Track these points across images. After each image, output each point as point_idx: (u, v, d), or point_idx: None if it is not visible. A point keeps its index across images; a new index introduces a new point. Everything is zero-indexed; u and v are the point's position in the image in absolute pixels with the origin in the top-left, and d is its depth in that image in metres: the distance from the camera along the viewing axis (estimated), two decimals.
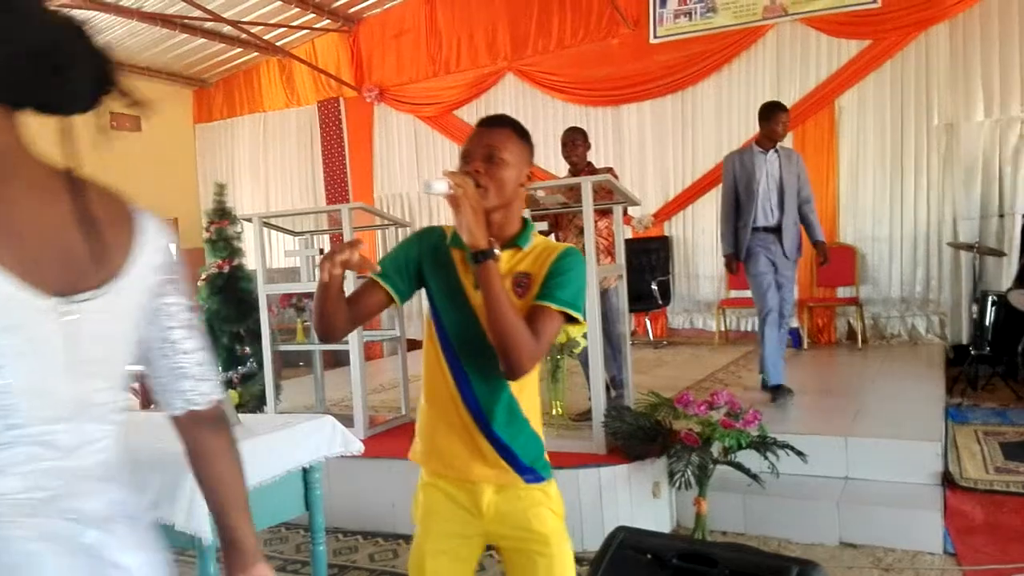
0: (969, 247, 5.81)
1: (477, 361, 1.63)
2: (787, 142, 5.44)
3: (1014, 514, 3.42)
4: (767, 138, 4.80)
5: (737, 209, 4.83)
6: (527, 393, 1.70)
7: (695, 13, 7.60)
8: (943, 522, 3.38)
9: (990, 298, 5.64)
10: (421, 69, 9.08)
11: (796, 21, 7.23)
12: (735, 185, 4.84)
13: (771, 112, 4.79)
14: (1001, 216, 6.59)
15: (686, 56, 7.63)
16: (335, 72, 9.49)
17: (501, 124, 1.68)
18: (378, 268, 1.61)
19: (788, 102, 7.14)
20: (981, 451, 4.09)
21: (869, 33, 6.91)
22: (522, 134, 1.69)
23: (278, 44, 9.39)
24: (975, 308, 5.80)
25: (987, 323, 5.59)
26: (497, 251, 1.55)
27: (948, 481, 3.62)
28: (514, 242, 1.67)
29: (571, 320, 1.62)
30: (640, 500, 3.63)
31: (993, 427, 4.54)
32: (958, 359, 6.14)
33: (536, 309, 1.59)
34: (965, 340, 6.42)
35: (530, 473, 1.68)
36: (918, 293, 6.93)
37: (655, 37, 7.79)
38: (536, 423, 1.73)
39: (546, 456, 1.75)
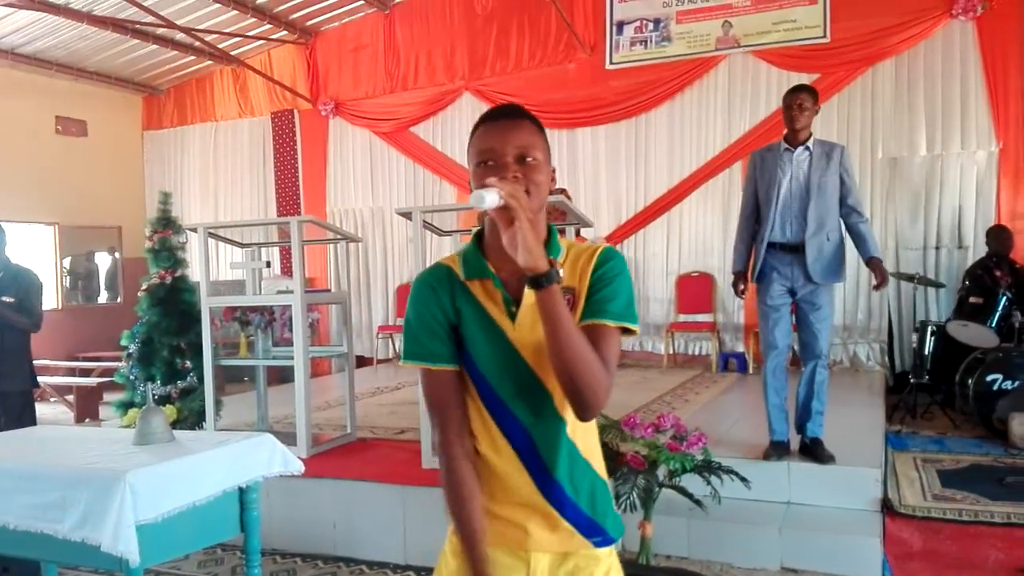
0: (910, 278, 5.97)
1: (526, 402, 1.38)
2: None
3: (951, 541, 3.49)
4: (789, 129, 3.93)
5: (757, 219, 4.04)
6: (583, 428, 1.42)
7: (650, 41, 7.73)
8: (882, 548, 3.43)
9: (929, 328, 5.80)
10: (378, 84, 9.05)
11: (748, 53, 7.40)
12: (755, 190, 4.05)
13: (785, 97, 3.97)
14: (938, 248, 6.81)
15: (640, 83, 7.75)
16: (290, 84, 9.39)
17: (522, 116, 1.39)
18: None
19: (738, 132, 7.36)
20: (919, 478, 4.17)
21: (818, 67, 7.11)
22: (540, 127, 1.42)
23: (232, 53, 9.27)
24: (915, 337, 5.95)
25: (926, 352, 5.74)
26: (561, 271, 1.27)
27: (887, 508, 3.67)
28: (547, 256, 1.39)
29: (627, 331, 1.37)
30: None
31: (931, 455, 4.64)
32: (898, 387, 6.29)
33: (593, 330, 1.32)
34: (905, 368, 6.59)
35: (599, 535, 1.42)
36: (860, 321, 7.10)
37: (611, 63, 7.90)
38: (599, 464, 1.46)
39: (615, 506, 1.52)
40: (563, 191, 4.73)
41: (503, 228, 1.23)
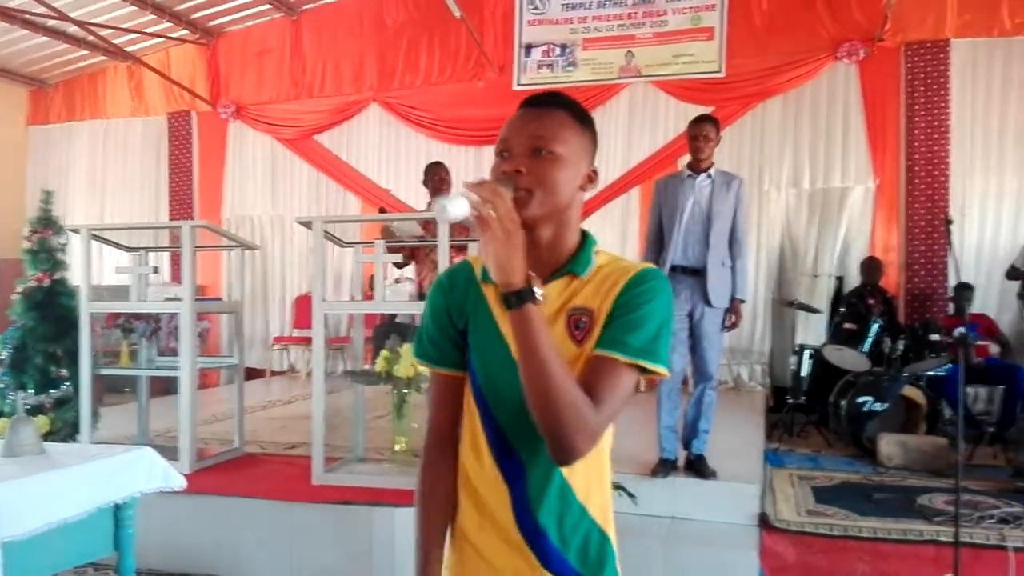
0: (789, 303, 6.28)
1: (523, 429, 1.19)
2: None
3: (822, 554, 3.67)
4: (693, 158, 4.09)
5: (662, 245, 4.12)
6: (585, 469, 1.22)
7: (557, 65, 7.91)
8: (759, 562, 3.58)
9: (806, 351, 6.11)
10: (283, 90, 8.88)
11: (648, 83, 7.67)
12: (659, 216, 4.16)
13: (691, 127, 4.10)
14: (815, 276, 7.21)
15: None
16: (189, 84, 9.08)
17: (553, 105, 1.24)
18: None
19: (637, 158, 7.59)
20: (795, 494, 4.37)
21: (713, 100, 7.42)
22: (581, 118, 1.26)
23: (128, 50, 8.88)
24: (793, 359, 6.27)
25: (803, 374, 6.04)
26: (539, 291, 1.10)
27: (764, 522, 3.84)
28: (567, 268, 1.23)
29: (646, 371, 1.18)
30: None
31: (806, 471, 4.88)
32: (778, 406, 6.60)
33: (598, 363, 1.14)
34: (784, 388, 6.92)
35: None
36: (743, 343, 7.41)
37: (519, 85, 8.01)
38: (601, 512, 1.28)
39: (617, 566, 1.31)
40: None
41: (480, 237, 1.09)
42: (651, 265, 1.26)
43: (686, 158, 7.34)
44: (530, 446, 1.21)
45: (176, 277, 8.12)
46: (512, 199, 1.12)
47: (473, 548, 1.28)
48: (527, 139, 1.21)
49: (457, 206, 1.07)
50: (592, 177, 1.27)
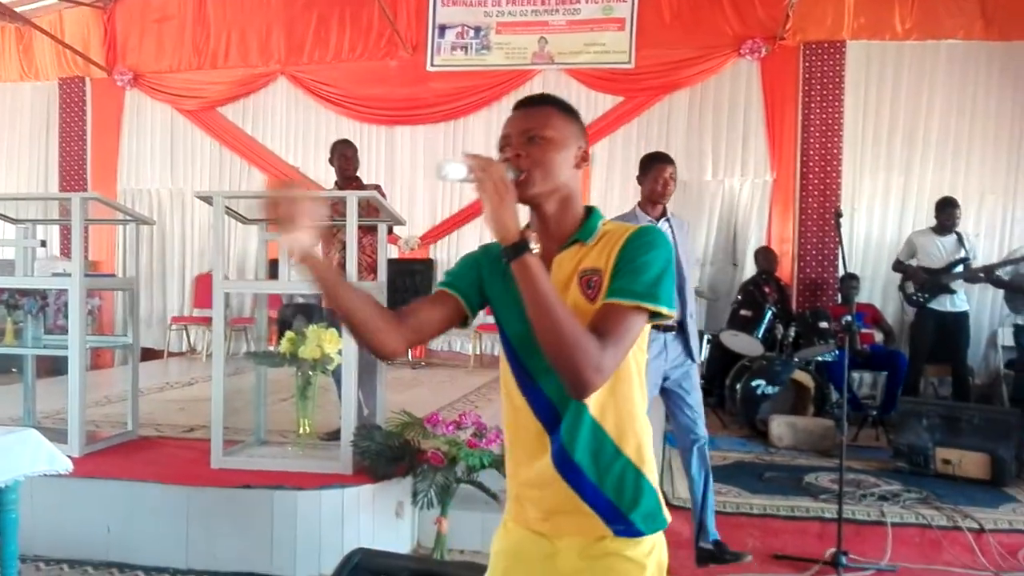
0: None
1: (554, 378, 1.31)
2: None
3: (716, 531, 3.83)
4: (649, 200, 3.49)
5: None
6: (616, 411, 1.37)
7: (471, 48, 7.88)
8: None
9: (706, 337, 6.34)
10: (184, 59, 8.51)
11: (561, 71, 7.74)
12: None
13: (649, 165, 3.50)
14: (713, 265, 7.48)
15: (460, 88, 7.87)
16: (83, 49, 8.58)
17: (540, 103, 1.47)
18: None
19: None
20: None
21: (622, 91, 7.58)
22: (567, 110, 1.47)
23: (17, 10, 8.30)
24: None
25: (703, 359, 6.27)
26: (534, 244, 1.28)
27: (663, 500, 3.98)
28: (574, 237, 1.41)
29: (654, 315, 1.32)
30: (383, 520, 3.62)
31: None
32: None
33: (604, 309, 1.30)
34: None
35: (622, 524, 1.36)
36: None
37: (432, 65, 7.95)
38: (637, 451, 1.39)
39: (661, 502, 1.41)
40: (377, 187, 4.69)
41: (482, 204, 1.27)
42: (649, 224, 1.43)
43: (596, 149, 7.41)
44: (561, 391, 1.32)
45: (66, 251, 7.71)
46: (516, 181, 1.34)
47: (517, 497, 1.44)
48: (521, 131, 1.41)
49: (454, 168, 1.27)
50: (585, 156, 1.46)
